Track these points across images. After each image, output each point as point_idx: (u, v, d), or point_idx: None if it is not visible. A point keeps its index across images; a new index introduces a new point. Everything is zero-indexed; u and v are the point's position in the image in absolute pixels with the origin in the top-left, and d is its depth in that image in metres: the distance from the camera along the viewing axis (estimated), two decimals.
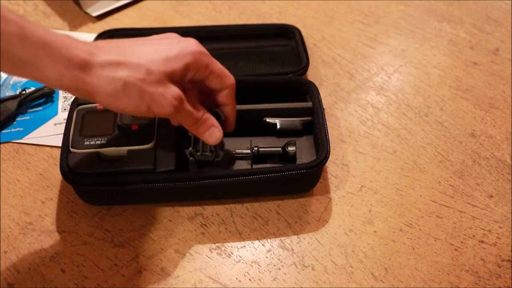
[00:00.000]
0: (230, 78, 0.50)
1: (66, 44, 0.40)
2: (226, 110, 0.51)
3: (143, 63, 0.43)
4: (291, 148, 0.55)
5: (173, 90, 0.44)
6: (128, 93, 0.42)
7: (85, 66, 0.40)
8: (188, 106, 0.46)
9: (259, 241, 0.52)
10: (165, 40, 0.46)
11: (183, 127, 0.50)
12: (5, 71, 0.40)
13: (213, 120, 0.49)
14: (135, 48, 0.44)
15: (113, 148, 0.51)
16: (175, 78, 0.45)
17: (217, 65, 0.48)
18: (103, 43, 0.43)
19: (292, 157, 0.55)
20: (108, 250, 0.51)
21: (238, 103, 0.54)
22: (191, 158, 0.51)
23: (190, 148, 0.51)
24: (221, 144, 0.52)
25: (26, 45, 0.38)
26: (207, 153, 0.51)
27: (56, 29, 0.74)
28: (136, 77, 0.42)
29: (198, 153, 0.51)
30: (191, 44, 0.46)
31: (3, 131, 0.61)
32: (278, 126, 0.57)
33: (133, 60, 0.42)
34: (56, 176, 0.57)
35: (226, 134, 0.54)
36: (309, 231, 0.53)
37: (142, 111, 0.44)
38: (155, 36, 0.47)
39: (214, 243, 0.52)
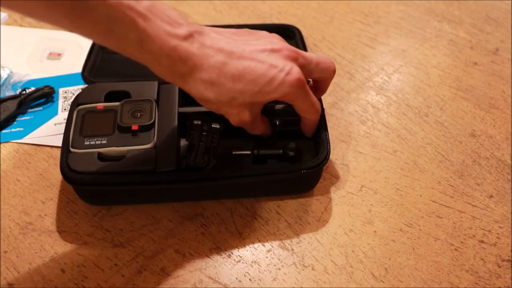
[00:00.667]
0: (315, 114, 0.52)
1: (177, 56, 0.43)
2: (304, 127, 0.56)
3: (234, 91, 0.46)
4: (291, 149, 0.55)
5: (243, 116, 0.49)
6: (209, 104, 0.48)
7: (184, 76, 0.45)
8: (248, 127, 0.51)
9: (259, 241, 0.52)
10: (270, 60, 0.47)
11: (183, 126, 0.51)
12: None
13: (267, 129, 0.55)
14: (238, 68, 0.46)
15: (113, 148, 0.51)
16: (256, 105, 0.49)
17: (307, 101, 0.50)
18: (211, 49, 0.45)
19: (292, 158, 0.55)
20: (108, 250, 0.51)
21: None
22: (183, 163, 0.51)
23: (185, 152, 0.52)
24: (214, 152, 0.52)
25: (142, 52, 0.43)
26: (199, 160, 0.51)
27: (56, 29, 0.74)
28: (219, 100, 0.47)
29: (191, 159, 0.51)
30: (291, 82, 0.47)
31: (3, 131, 0.61)
32: (278, 126, 0.57)
33: (227, 85, 0.46)
34: (56, 176, 0.57)
35: (226, 135, 0.54)
36: (309, 231, 0.53)
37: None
38: (263, 42, 0.48)
39: (214, 243, 0.52)
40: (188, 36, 0.44)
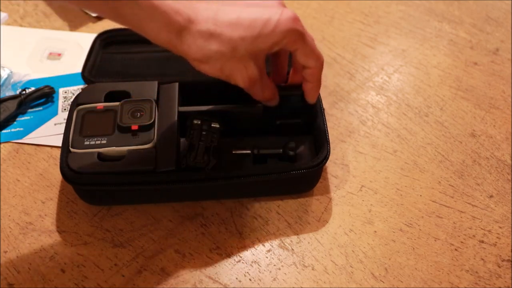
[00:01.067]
0: (317, 60, 0.50)
1: (168, 8, 0.43)
2: (306, 87, 0.53)
3: (235, 39, 0.45)
4: (291, 148, 0.55)
5: (250, 72, 0.47)
6: (212, 63, 0.46)
7: (180, 32, 0.44)
8: (258, 86, 0.49)
9: (259, 241, 0.52)
10: (262, 5, 0.47)
11: (183, 126, 0.51)
12: (108, 18, 0.44)
13: (276, 92, 0.53)
14: (232, 15, 0.45)
15: (113, 148, 0.51)
16: (259, 55, 0.48)
17: (307, 45, 0.48)
18: (200, 4, 0.45)
19: (292, 157, 0.55)
20: (108, 250, 0.51)
21: (237, 103, 0.54)
22: (183, 163, 0.51)
23: (185, 152, 0.52)
24: (214, 151, 0.52)
25: (133, 8, 0.42)
26: (199, 160, 0.51)
27: (56, 29, 0.74)
28: (222, 52, 0.45)
29: (191, 159, 0.51)
30: (287, 19, 0.46)
31: (3, 131, 0.61)
32: (279, 122, 0.56)
33: (226, 33, 0.44)
34: (56, 176, 0.57)
35: (226, 134, 0.54)
36: (309, 231, 0.53)
37: (221, 78, 0.48)
38: None
39: (214, 243, 0.52)
40: None
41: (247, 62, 0.47)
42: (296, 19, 0.47)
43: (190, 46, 0.45)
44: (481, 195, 0.56)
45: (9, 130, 0.61)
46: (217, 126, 0.52)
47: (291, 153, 0.55)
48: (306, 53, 0.49)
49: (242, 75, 0.47)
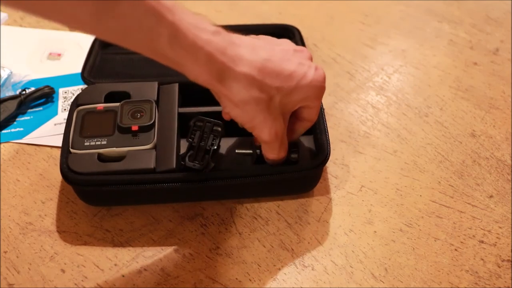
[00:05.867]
0: (317, 115, 0.51)
1: (213, 49, 0.42)
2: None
3: (274, 88, 0.45)
4: (293, 156, 0.53)
5: (279, 126, 0.47)
6: (246, 109, 0.45)
7: (222, 74, 0.43)
8: (278, 144, 0.48)
9: (259, 241, 0.52)
10: (297, 59, 0.47)
11: (183, 127, 0.51)
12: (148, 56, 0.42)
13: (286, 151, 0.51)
14: (274, 63, 0.45)
15: (113, 149, 0.51)
16: (286, 111, 0.48)
17: (320, 103, 0.50)
18: (243, 47, 0.44)
19: (294, 158, 0.55)
20: (108, 250, 0.51)
21: None
22: (182, 162, 0.51)
23: (184, 153, 0.52)
24: (214, 154, 0.52)
25: (175, 48, 0.41)
26: (197, 162, 0.51)
27: (56, 29, 0.74)
28: (260, 99, 0.44)
29: (189, 160, 0.51)
30: (320, 76, 0.48)
31: (3, 131, 0.61)
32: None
33: (267, 81, 0.44)
34: (56, 176, 0.57)
35: (227, 134, 0.54)
36: (309, 231, 0.53)
37: (245, 126, 0.47)
38: (285, 43, 0.49)
39: (214, 243, 0.52)
40: (216, 33, 0.43)
41: (277, 116, 0.47)
42: (325, 79, 0.48)
43: (230, 89, 0.44)
44: (481, 195, 0.56)
45: (9, 130, 0.61)
46: (219, 129, 0.51)
47: (293, 159, 0.53)
48: (317, 109, 0.50)
49: (269, 128, 0.46)
